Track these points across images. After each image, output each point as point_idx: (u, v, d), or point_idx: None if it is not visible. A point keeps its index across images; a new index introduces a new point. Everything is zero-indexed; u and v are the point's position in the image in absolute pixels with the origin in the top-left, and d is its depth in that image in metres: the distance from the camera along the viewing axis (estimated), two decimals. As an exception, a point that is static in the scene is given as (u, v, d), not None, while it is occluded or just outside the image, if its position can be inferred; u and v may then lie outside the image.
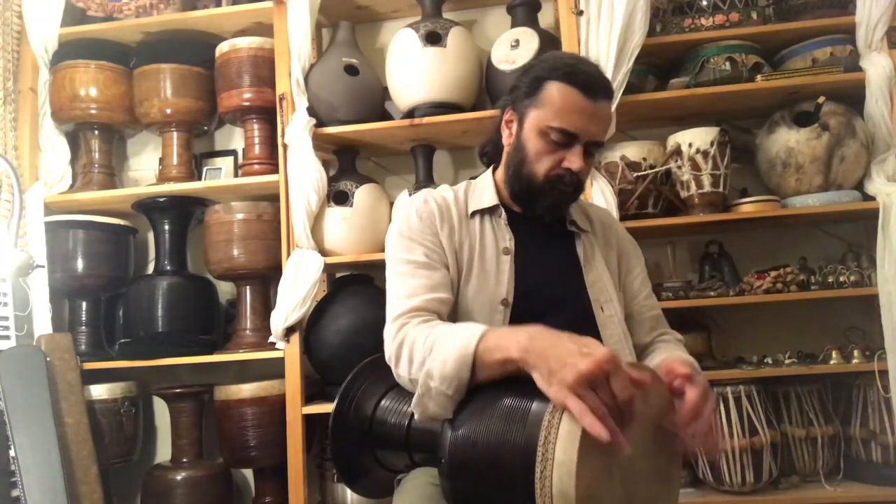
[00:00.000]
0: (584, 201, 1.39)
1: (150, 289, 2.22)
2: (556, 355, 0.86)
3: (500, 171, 1.29)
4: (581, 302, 1.22)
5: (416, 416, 1.04)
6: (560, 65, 1.17)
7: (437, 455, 0.96)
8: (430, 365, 0.98)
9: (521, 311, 1.18)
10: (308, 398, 2.07)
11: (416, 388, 1.02)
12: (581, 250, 1.27)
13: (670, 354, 1.19)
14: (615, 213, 1.90)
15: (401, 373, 1.08)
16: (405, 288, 1.14)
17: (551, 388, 0.84)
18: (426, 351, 1.01)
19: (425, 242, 1.20)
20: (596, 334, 1.20)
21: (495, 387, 0.94)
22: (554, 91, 1.16)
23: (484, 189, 1.29)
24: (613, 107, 1.95)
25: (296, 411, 2.00)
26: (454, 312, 1.19)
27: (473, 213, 1.26)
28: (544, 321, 1.18)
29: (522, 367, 0.90)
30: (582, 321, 1.20)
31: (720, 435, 1.00)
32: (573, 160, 1.16)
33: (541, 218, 1.27)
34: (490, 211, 1.26)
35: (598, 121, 1.18)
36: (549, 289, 1.22)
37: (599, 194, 1.94)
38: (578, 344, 0.87)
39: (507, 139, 1.26)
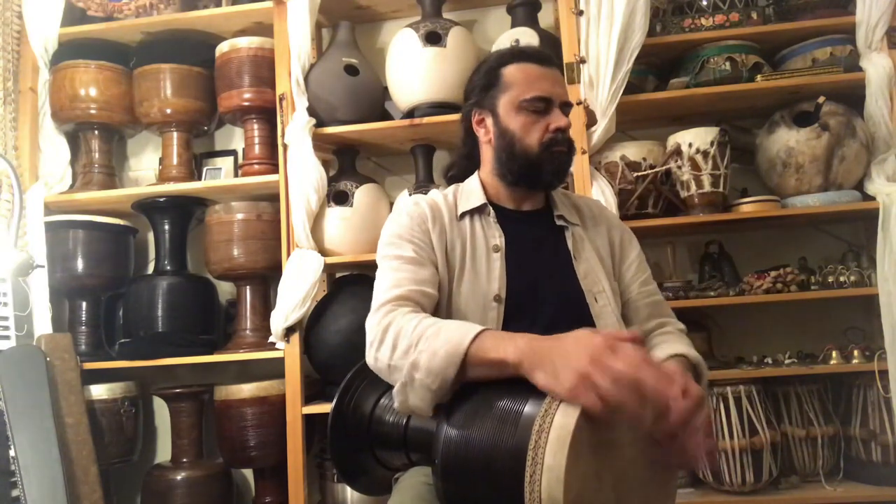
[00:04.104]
0: (573, 194, 1.43)
1: (150, 289, 2.22)
2: (558, 353, 0.87)
3: (486, 170, 1.33)
4: (573, 294, 1.23)
5: (395, 406, 1.03)
6: (505, 52, 1.30)
7: (431, 455, 0.96)
8: (418, 356, 0.97)
9: (515, 307, 1.19)
10: (308, 398, 2.07)
11: (395, 375, 1.02)
12: (571, 243, 1.28)
13: (669, 351, 1.17)
14: (615, 213, 1.90)
15: (380, 356, 1.05)
16: (392, 279, 1.16)
17: (565, 382, 0.84)
18: (413, 339, 1.00)
19: (414, 240, 1.21)
20: (590, 326, 1.19)
21: (490, 388, 0.94)
22: (513, 71, 1.26)
23: (472, 190, 1.31)
24: (613, 107, 1.96)
25: (296, 411, 2.00)
26: (448, 312, 1.20)
27: (463, 214, 1.27)
28: (538, 315, 1.18)
29: (519, 371, 0.90)
30: (575, 314, 1.21)
31: (713, 440, 0.97)
32: (557, 119, 1.24)
33: (529, 213, 1.30)
34: (479, 210, 1.28)
35: (559, 83, 1.28)
36: (541, 283, 1.23)
37: (599, 194, 1.94)
38: (575, 338, 0.88)
39: (484, 137, 1.31)
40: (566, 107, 1.26)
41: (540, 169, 1.24)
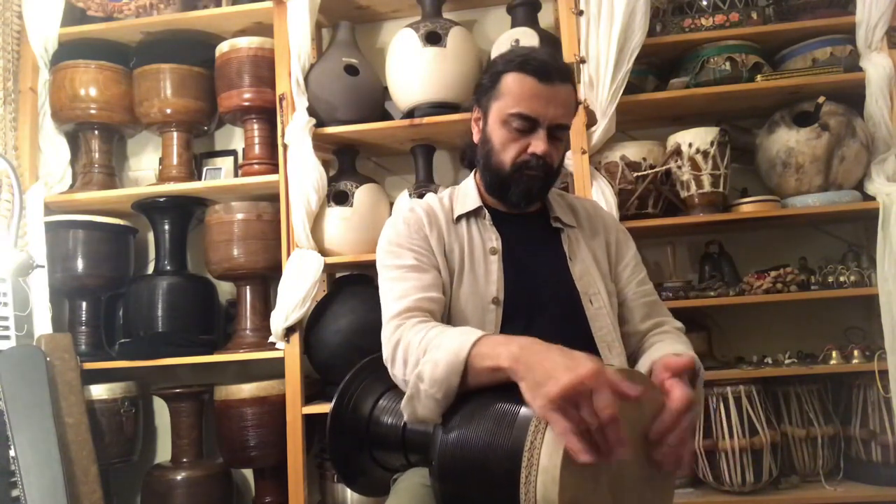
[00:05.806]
0: (569, 195, 1.42)
1: (150, 289, 2.22)
2: (543, 368, 0.85)
3: (480, 172, 1.32)
4: (570, 296, 1.23)
5: (405, 417, 1.04)
6: (514, 57, 1.22)
7: (429, 456, 0.96)
8: (422, 368, 0.98)
9: (512, 308, 1.19)
10: (308, 398, 2.07)
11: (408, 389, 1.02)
12: (567, 245, 1.28)
13: (665, 351, 1.15)
14: (615, 213, 1.90)
15: (396, 374, 1.08)
16: (397, 290, 1.15)
17: (535, 401, 0.83)
18: (420, 353, 1.01)
19: (413, 247, 1.21)
20: (586, 327, 1.21)
21: (487, 391, 0.94)
22: (510, 81, 1.20)
23: (467, 193, 1.31)
24: (613, 107, 1.96)
25: (296, 411, 2.00)
26: (449, 315, 1.20)
27: (459, 217, 1.27)
28: (535, 317, 1.18)
29: (512, 377, 0.89)
30: (571, 315, 1.21)
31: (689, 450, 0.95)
32: (537, 144, 1.19)
33: (525, 215, 1.30)
34: (475, 213, 1.28)
35: (556, 104, 1.20)
36: (537, 285, 1.23)
37: (599, 194, 1.94)
38: (566, 357, 0.85)
39: (476, 136, 1.30)
40: (559, 129, 1.22)
41: (508, 188, 1.24)
